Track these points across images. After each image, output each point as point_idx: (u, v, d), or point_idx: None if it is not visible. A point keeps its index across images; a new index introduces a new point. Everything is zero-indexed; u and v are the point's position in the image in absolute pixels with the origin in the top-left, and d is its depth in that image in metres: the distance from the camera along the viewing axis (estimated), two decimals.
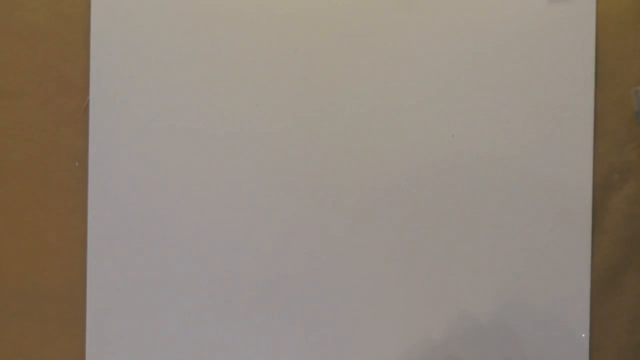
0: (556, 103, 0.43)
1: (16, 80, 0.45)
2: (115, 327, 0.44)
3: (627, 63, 0.44)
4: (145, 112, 0.45)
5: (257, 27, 0.44)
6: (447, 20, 0.44)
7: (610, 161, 0.44)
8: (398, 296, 0.44)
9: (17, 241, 0.45)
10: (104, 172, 0.45)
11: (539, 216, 0.44)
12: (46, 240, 0.45)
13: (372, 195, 0.44)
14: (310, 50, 0.44)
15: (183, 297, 0.44)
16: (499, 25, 0.44)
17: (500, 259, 0.44)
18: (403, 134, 0.44)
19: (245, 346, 0.45)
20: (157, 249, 0.44)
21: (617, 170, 0.44)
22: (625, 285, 0.44)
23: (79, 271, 0.45)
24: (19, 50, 0.45)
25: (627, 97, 0.44)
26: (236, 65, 0.44)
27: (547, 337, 0.44)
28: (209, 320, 0.44)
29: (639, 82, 0.43)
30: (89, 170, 0.45)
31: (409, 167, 0.44)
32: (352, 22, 0.44)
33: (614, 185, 0.44)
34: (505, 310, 0.43)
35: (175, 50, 0.44)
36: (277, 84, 0.44)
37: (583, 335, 0.43)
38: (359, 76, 0.44)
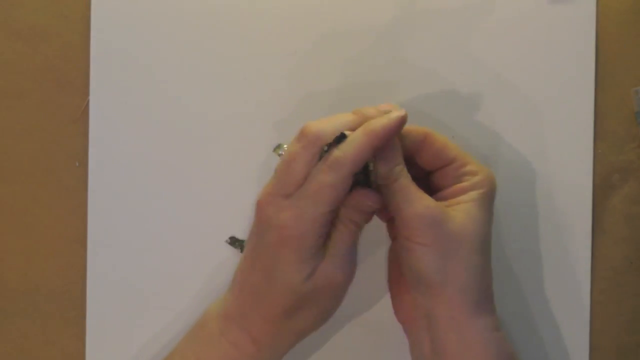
0: (556, 103, 0.43)
1: (16, 80, 0.45)
2: (115, 327, 0.44)
3: (627, 63, 0.44)
4: (146, 112, 0.45)
5: (258, 28, 0.44)
6: (447, 20, 0.44)
7: (610, 161, 0.44)
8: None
9: (17, 241, 0.45)
10: (104, 172, 0.45)
11: (539, 216, 0.44)
12: (46, 240, 0.45)
13: None
14: (310, 50, 0.44)
15: (184, 297, 0.44)
16: (498, 25, 0.44)
17: (500, 259, 0.44)
18: None
19: None
20: (158, 249, 0.44)
21: (617, 170, 0.44)
22: (625, 285, 0.44)
23: (79, 271, 0.45)
24: (19, 50, 0.45)
25: (627, 97, 0.44)
26: (237, 66, 0.44)
27: (546, 337, 0.44)
28: None
29: (639, 82, 0.44)
30: (89, 170, 0.45)
31: None
32: (352, 22, 0.44)
33: (614, 185, 0.44)
34: (504, 310, 0.43)
35: (176, 50, 0.44)
36: (277, 85, 0.44)
37: (583, 335, 0.43)
38: (358, 76, 0.44)
